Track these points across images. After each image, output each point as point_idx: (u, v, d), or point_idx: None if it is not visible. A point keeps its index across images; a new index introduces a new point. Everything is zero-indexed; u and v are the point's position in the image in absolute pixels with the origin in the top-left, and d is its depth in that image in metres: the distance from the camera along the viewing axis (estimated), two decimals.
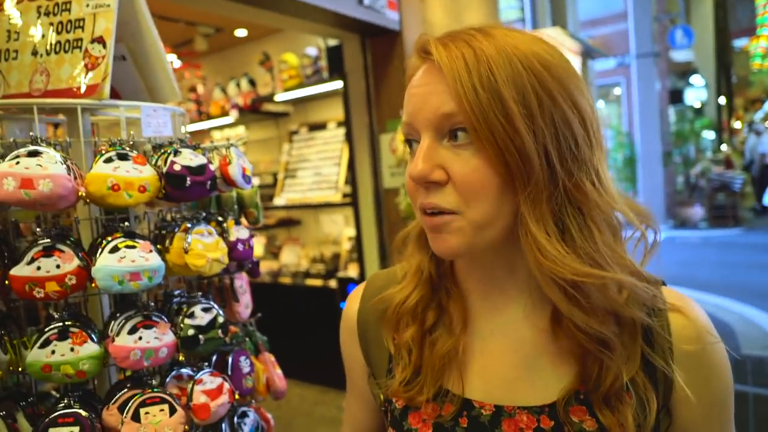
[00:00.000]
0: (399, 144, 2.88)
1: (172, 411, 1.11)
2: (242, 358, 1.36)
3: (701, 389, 0.65)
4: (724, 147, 14.49)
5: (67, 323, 1.07)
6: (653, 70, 10.26)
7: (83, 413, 1.06)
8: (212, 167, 1.21)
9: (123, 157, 1.09)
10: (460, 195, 0.60)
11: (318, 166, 4.16)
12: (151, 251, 1.10)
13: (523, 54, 0.59)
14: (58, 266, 1.03)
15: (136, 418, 1.07)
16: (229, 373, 1.31)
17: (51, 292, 1.02)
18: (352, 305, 0.83)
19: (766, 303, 5.08)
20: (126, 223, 1.14)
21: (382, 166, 3.39)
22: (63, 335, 1.05)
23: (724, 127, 16.30)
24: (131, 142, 1.13)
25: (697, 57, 12.84)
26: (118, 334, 1.09)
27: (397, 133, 2.91)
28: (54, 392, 1.35)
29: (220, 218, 1.33)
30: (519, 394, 0.67)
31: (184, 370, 1.23)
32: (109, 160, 1.07)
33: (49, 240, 1.05)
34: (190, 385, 1.19)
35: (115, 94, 1.26)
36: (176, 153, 1.15)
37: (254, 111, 4.33)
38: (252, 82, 4.32)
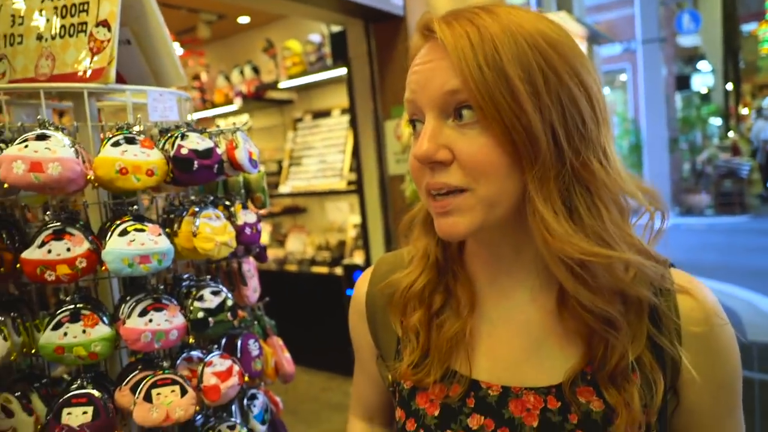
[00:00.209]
0: (404, 130, 2.88)
1: (183, 392, 1.13)
2: (251, 341, 1.37)
3: (708, 371, 0.65)
4: (731, 133, 14.37)
5: (78, 306, 1.08)
6: (660, 56, 10.17)
7: (96, 394, 1.07)
8: (219, 151, 1.21)
9: (131, 140, 1.09)
10: (467, 173, 0.60)
11: (323, 154, 4.16)
12: (160, 234, 1.11)
13: (528, 32, 0.59)
14: (68, 249, 1.04)
15: (148, 398, 1.09)
16: (239, 355, 1.32)
17: (62, 275, 1.03)
18: (360, 288, 0.84)
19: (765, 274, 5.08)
20: (135, 207, 1.14)
21: (387, 152, 3.38)
22: (75, 317, 1.06)
23: (731, 113, 16.15)
24: (140, 127, 1.14)
25: (704, 42, 12.71)
26: (128, 316, 1.11)
27: (402, 119, 2.91)
28: (66, 376, 1.37)
29: (227, 202, 1.33)
30: (526, 375, 0.67)
31: (194, 353, 1.24)
32: (116, 144, 1.07)
33: (59, 223, 1.06)
34: (200, 367, 1.21)
35: (120, 79, 1.26)
36: (183, 137, 1.15)
37: (258, 99, 4.32)
38: (256, 70, 4.31)
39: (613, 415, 0.62)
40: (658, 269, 0.63)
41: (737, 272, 5.83)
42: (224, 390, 1.19)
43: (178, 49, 4.71)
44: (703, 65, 12.91)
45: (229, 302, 1.26)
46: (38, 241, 1.03)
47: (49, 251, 1.03)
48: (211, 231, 1.20)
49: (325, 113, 4.25)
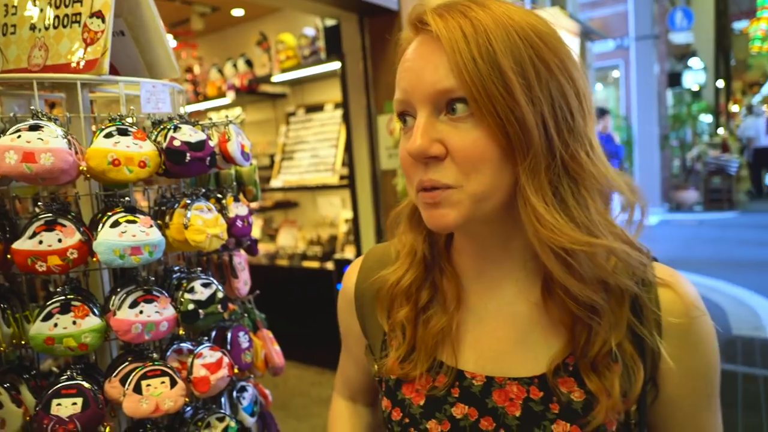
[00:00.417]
0: (396, 125, 2.88)
1: (173, 383, 1.13)
2: (241, 334, 1.38)
3: (687, 361, 0.66)
4: (720, 131, 14.48)
5: (69, 297, 1.08)
6: (652, 53, 10.22)
7: (86, 385, 1.08)
8: (211, 143, 1.21)
9: (123, 132, 1.09)
10: (459, 168, 0.60)
11: (315, 148, 4.15)
12: (151, 226, 1.11)
13: (519, 25, 0.59)
14: (59, 240, 1.04)
15: (137, 390, 1.10)
16: (228, 348, 1.33)
17: (53, 265, 1.03)
18: (350, 279, 0.85)
19: (755, 274, 5.16)
20: (127, 198, 1.15)
21: (379, 147, 3.39)
22: (65, 309, 1.06)
23: (721, 110, 16.27)
24: (133, 119, 1.14)
25: (696, 39, 12.77)
26: (119, 308, 1.11)
27: (395, 113, 2.91)
28: (55, 369, 1.37)
29: (219, 195, 1.34)
30: (510, 365, 0.68)
31: (184, 345, 1.25)
32: (109, 135, 1.07)
33: (50, 214, 1.06)
34: (190, 359, 1.21)
35: (113, 71, 1.26)
36: (176, 129, 1.15)
37: (251, 92, 4.31)
38: (249, 63, 4.29)
39: (593, 404, 0.63)
40: (640, 258, 0.64)
41: (724, 267, 5.90)
42: (214, 382, 1.20)
43: (171, 42, 4.68)
44: (694, 62, 12.99)
45: (220, 294, 1.27)
46: (29, 231, 1.03)
47: (41, 242, 1.03)
48: (202, 223, 1.20)
49: (318, 107, 4.24)
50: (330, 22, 3.63)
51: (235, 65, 4.33)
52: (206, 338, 1.30)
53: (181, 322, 1.21)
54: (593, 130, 0.65)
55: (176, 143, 1.14)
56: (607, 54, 10.34)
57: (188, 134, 1.16)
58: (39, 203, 1.09)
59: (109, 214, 1.09)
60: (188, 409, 1.27)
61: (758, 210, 9.61)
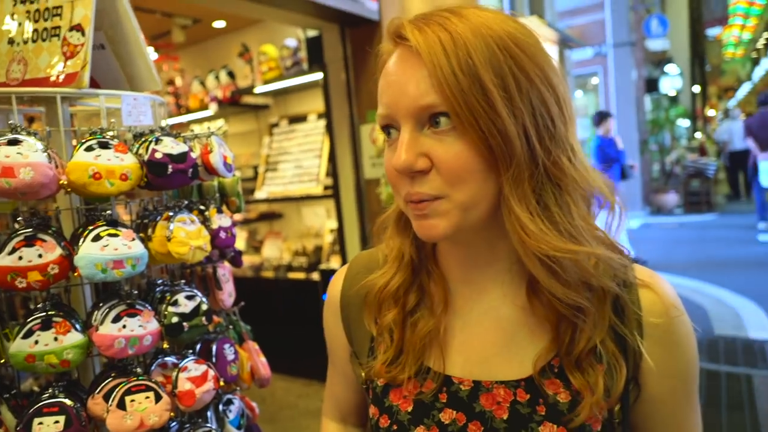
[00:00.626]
0: (379, 135, 2.90)
1: (158, 398, 1.12)
2: (226, 346, 1.37)
3: (668, 360, 0.68)
4: (698, 135, 14.77)
5: (50, 313, 1.07)
6: (630, 60, 10.41)
7: (68, 402, 1.06)
8: (194, 155, 1.21)
9: (104, 145, 1.08)
10: (444, 180, 0.61)
11: (299, 159, 4.15)
12: (134, 239, 1.10)
13: (498, 35, 0.60)
14: (40, 255, 1.03)
15: (121, 405, 1.08)
16: (214, 360, 1.32)
17: (33, 281, 1.02)
18: (335, 287, 0.85)
19: (735, 274, 5.25)
20: (108, 212, 1.14)
21: (362, 157, 3.40)
22: (46, 325, 1.05)
23: (698, 115, 16.60)
24: (114, 132, 1.13)
25: (671, 46, 13.05)
26: (101, 323, 1.10)
27: (377, 123, 2.93)
28: (37, 388, 1.35)
29: (202, 207, 1.33)
30: (496, 369, 0.69)
31: (168, 358, 1.24)
32: (89, 149, 1.06)
33: (30, 229, 1.04)
34: (174, 373, 1.20)
35: (94, 84, 1.25)
36: (157, 141, 1.15)
37: (234, 104, 4.29)
38: (231, 75, 4.28)
39: (579, 405, 0.64)
40: (621, 260, 0.66)
41: (705, 268, 5.99)
42: (199, 395, 1.19)
43: (152, 54, 4.66)
44: (671, 68, 13.25)
45: (204, 306, 1.26)
46: (9, 247, 1.02)
47: (20, 258, 1.01)
48: (185, 235, 1.20)
49: (301, 118, 4.25)
50: (312, 33, 3.64)
51: (217, 77, 4.32)
52: (191, 351, 1.29)
53: (165, 335, 1.20)
54: (575, 135, 0.65)
55: (158, 155, 1.13)
56: (585, 61, 10.51)
57: (170, 146, 1.16)
58: (18, 218, 1.08)
59: (91, 228, 1.08)
60: (174, 423, 1.25)
61: (736, 211, 9.79)
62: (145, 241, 1.18)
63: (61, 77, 1.12)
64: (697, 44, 16.25)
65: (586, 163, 0.66)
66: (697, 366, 0.71)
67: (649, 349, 0.67)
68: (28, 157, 0.98)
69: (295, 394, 3.83)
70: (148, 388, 1.12)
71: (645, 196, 10.81)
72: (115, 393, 1.09)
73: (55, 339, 1.05)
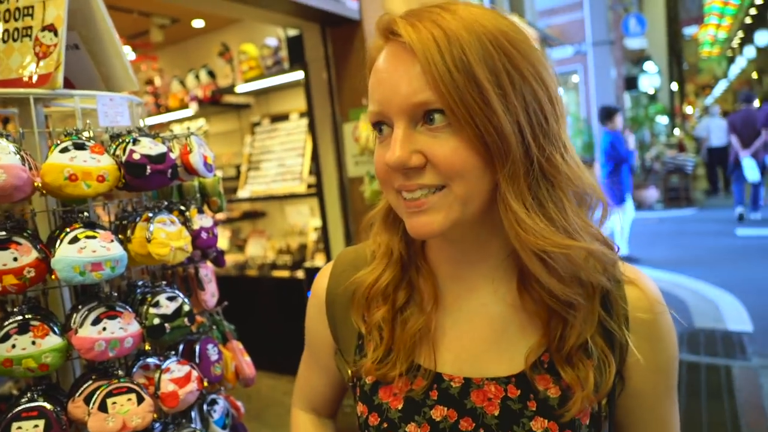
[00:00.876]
0: (362, 133, 2.90)
1: (140, 400, 1.11)
2: (210, 346, 1.36)
3: (652, 355, 0.69)
4: (677, 131, 15.00)
5: (27, 316, 1.05)
6: (609, 58, 10.53)
7: (48, 406, 1.05)
8: (173, 156, 1.20)
9: (80, 146, 1.07)
10: (441, 175, 0.61)
11: (282, 158, 4.13)
12: (112, 241, 1.09)
13: (490, 32, 0.59)
14: (15, 259, 1.01)
15: (103, 408, 1.07)
16: (197, 361, 1.31)
17: (9, 285, 1.01)
18: (320, 283, 0.84)
19: (714, 268, 5.36)
20: (85, 213, 1.12)
21: (345, 155, 3.40)
22: (23, 329, 1.04)
23: (676, 112, 16.86)
24: (90, 133, 1.12)
25: (649, 44, 13.23)
26: (81, 325, 1.08)
27: (360, 121, 2.93)
28: (15, 392, 1.33)
29: (182, 207, 1.33)
30: (487, 366, 0.69)
31: (150, 360, 1.23)
32: (65, 150, 1.05)
33: (4, 233, 1.03)
34: (157, 374, 1.19)
35: (68, 85, 1.24)
36: (135, 142, 1.14)
37: (215, 103, 4.26)
38: (211, 74, 4.25)
39: (568, 399, 0.65)
40: (612, 256, 0.67)
41: (685, 262, 6.10)
42: (183, 396, 1.18)
43: (130, 54, 4.60)
44: (649, 66, 13.44)
45: (186, 307, 1.25)
46: None
47: None
48: (165, 236, 1.19)
49: (283, 117, 4.23)
50: (292, 32, 3.63)
51: (197, 76, 4.28)
52: (173, 352, 1.28)
53: (146, 337, 1.19)
54: (566, 132, 0.66)
55: (136, 156, 1.12)
56: (566, 60, 10.61)
57: (148, 147, 1.15)
58: None
59: (68, 230, 1.07)
60: (157, 425, 1.24)
61: (714, 206, 9.97)
62: (125, 242, 1.17)
63: (34, 78, 1.10)
64: (675, 43, 16.51)
65: (578, 159, 0.66)
66: (678, 361, 0.73)
67: (635, 344, 0.68)
68: (1, 160, 0.96)
69: (281, 391, 3.82)
70: (130, 390, 1.11)
71: None
72: (96, 396, 1.08)
73: (33, 343, 1.03)
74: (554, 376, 0.67)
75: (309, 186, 3.85)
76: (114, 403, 1.08)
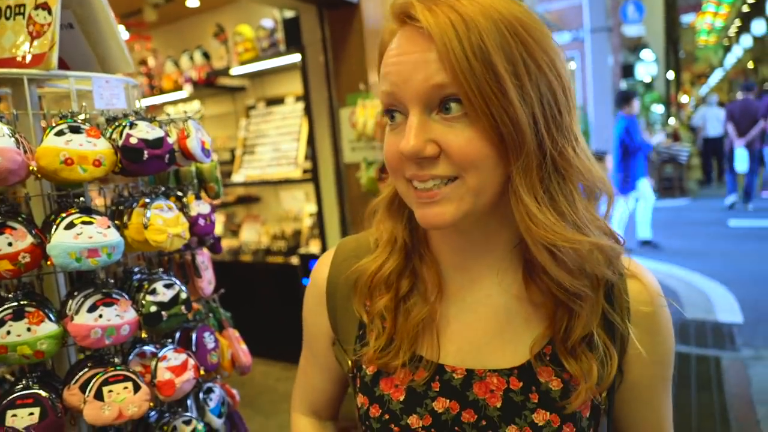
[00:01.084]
0: (359, 118, 2.86)
1: (137, 388, 1.10)
2: (206, 334, 1.35)
3: (652, 347, 0.69)
4: (672, 120, 15.02)
5: (22, 303, 1.03)
6: (606, 45, 10.46)
7: (43, 393, 1.04)
8: (170, 140, 1.17)
9: (75, 130, 1.04)
10: (455, 166, 0.60)
11: (277, 142, 4.09)
12: (109, 227, 1.07)
13: (506, 18, 0.58)
14: (10, 244, 0.99)
15: (99, 396, 1.06)
16: (194, 349, 1.30)
17: (3, 270, 0.99)
18: (320, 272, 0.83)
19: (705, 259, 5.39)
20: (81, 198, 1.10)
21: (342, 140, 3.37)
22: (18, 315, 1.02)
23: (672, 101, 16.87)
24: (86, 116, 1.09)
25: (647, 32, 13.17)
26: (77, 312, 1.07)
27: (357, 107, 2.89)
28: (9, 376, 1.31)
29: (179, 193, 1.30)
30: (490, 357, 0.69)
31: (147, 348, 1.22)
32: (60, 133, 1.02)
33: None
34: (154, 362, 1.18)
35: (63, 65, 1.20)
36: (132, 125, 1.11)
37: (209, 85, 4.20)
38: (206, 55, 4.18)
39: (570, 392, 0.65)
40: (618, 249, 0.67)
41: (677, 252, 6.14)
42: (179, 384, 1.17)
43: (123, 33, 4.51)
44: (646, 54, 13.39)
45: (183, 295, 1.24)
46: None
47: None
48: (163, 222, 1.17)
49: (278, 101, 4.18)
50: (289, 14, 3.57)
51: (191, 57, 4.22)
52: (170, 340, 1.27)
53: (143, 324, 1.17)
54: (577, 124, 0.65)
55: (133, 140, 1.10)
56: (563, 46, 10.45)
57: (145, 131, 1.12)
58: None
59: (63, 215, 1.05)
60: (153, 413, 1.23)
61: (708, 196, 10.03)
62: (121, 228, 1.14)
63: (28, 58, 1.07)
64: (672, 31, 16.45)
65: (588, 152, 0.66)
66: (674, 353, 0.74)
67: (636, 336, 0.68)
68: None
69: (274, 377, 3.82)
70: (126, 378, 1.10)
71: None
72: (92, 384, 1.07)
73: (28, 329, 1.02)
74: (556, 369, 0.66)
75: (304, 171, 3.82)
76: (110, 391, 1.07)
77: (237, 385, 1.63)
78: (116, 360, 1.15)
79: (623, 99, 5.92)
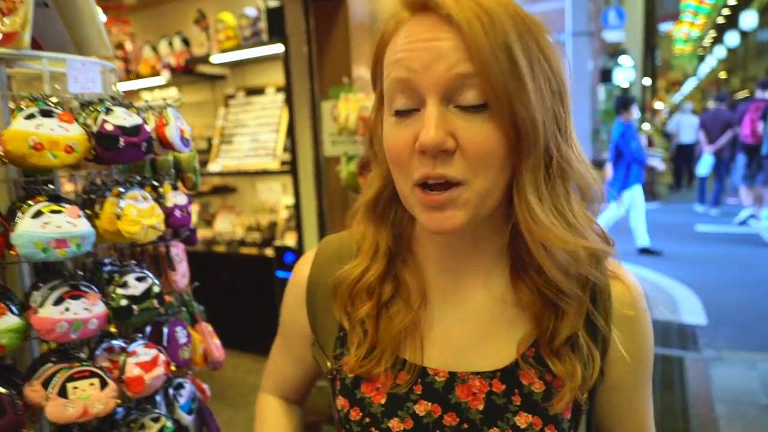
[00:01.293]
0: (341, 112, 2.83)
1: (104, 385, 1.06)
2: (178, 329, 1.31)
3: (633, 350, 0.70)
4: (646, 126, 15.30)
5: None
6: (587, 49, 10.60)
7: (2, 390, 0.98)
8: (148, 128, 1.13)
9: (47, 113, 0.99)
10: (469, 164, 0.58)
11: (255, 132, 4.03)
12: (79, 216, 1.02)
13: (522, 18, 0.58)
14: None
15: (63, 393, 1.01)
16: (165, 344, 1.26)
17: None
18: (301, 272, 0.81)
19: (671, 261, 5.52)
20: (50, 186, 1.05)
21: (323, 134, 3.32)
22: None
23: (647, 107, 17.20)
24: (59, 99, 1.04)
25: (626, 38, 13.37)
26: (41, 305, 1.02)
27: (340, 100, 2.86)
28: None
29: (155, 183, 1.26)
30: (472, 360, 0.69)
31: (115, 342, 1.17)
32: (30, 117, 0.97)
33: None
34: (122, 358, 1.14)
35: (36, 45, 1.15)
36: (108, 111, 1.06)
37: (188, 72, 4.11)
38: (186, 42, 4.08)
39: (552, 394, 0.65)
40: (609, 251, 0.67)
41: (645, 255, 6.26)
42: (149, 381, 1.13)
43: (101, 16, 4.38)
44: (625, 60, 13.59)
45: (156, 289, 1.20)
46: None
47: None
48: (137, 213, 1.13)
49: (258, 90, 4.11)
50: (273, 3, 3.50)
51: (170, 43, 4.11)
52: (140, 335, 1.23)
53: (112, 318, 1.13)
54: (573, 128, 0.66)
55: (108, 127, 1.05)
56: None
57: (122, 117, 1.08)
58: None
59: (30, 203, 1.00)
60: (120, 410, 1.19)
61: (677, 200, 10.28)
62: (92, 218, 1.10)
63: None
64: (650, 38, 16.74)
65: (584, 155, 0.66)
66: (653, 354, 0.74)
67: (619, 338, 0.68)
68: None
69: (244, 369, 3.78)
70: (92, 374, 1.06)
71: None
72: (55, 380, 1.02)
73: None
74: (539, 371, 0.66)
75: (282, 163, 3.77)
76: (75, 387, 1.03)
77: (206, 377, 1.59)
78: (82, 355, 1.10)
79: (622, 105, 5.99)
